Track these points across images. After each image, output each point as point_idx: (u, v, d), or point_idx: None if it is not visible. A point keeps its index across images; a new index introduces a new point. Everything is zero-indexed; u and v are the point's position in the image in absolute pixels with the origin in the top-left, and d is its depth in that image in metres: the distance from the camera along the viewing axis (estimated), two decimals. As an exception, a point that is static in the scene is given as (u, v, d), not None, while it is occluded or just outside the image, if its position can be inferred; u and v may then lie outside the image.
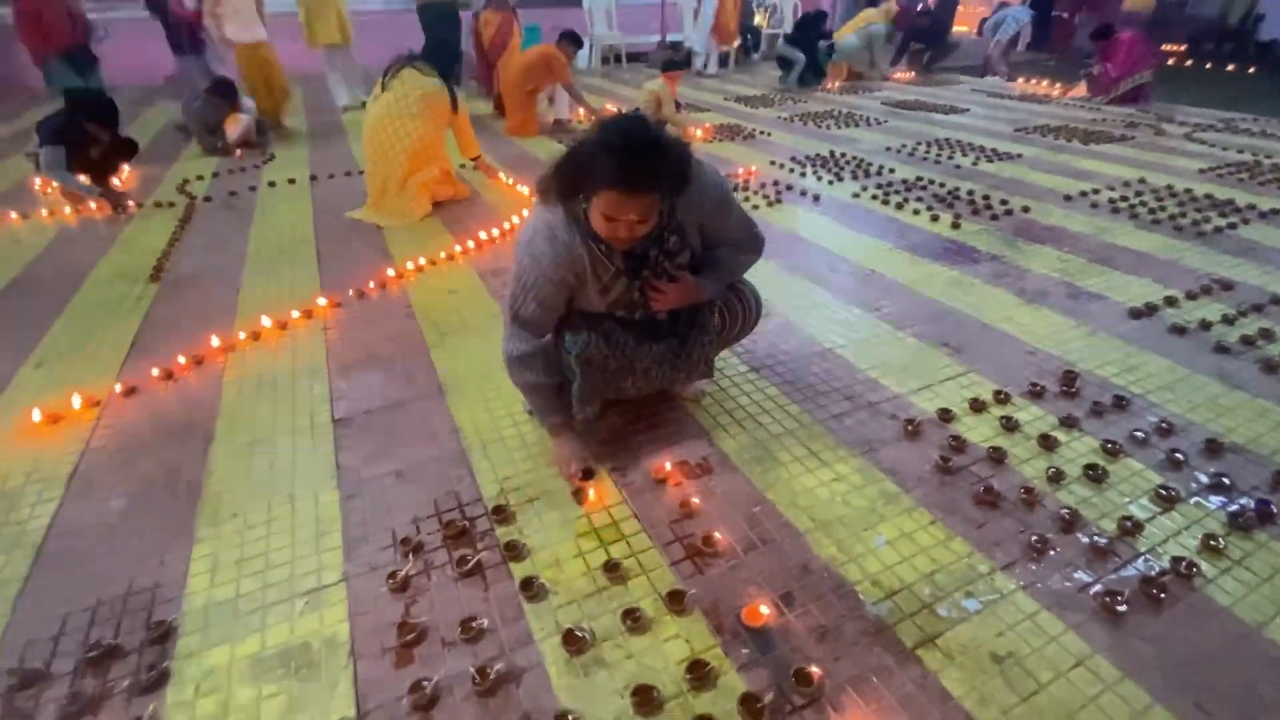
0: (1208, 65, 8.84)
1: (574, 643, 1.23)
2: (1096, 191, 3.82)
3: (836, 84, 7.72)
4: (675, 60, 5.24)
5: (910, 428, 1.81)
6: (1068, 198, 3.74)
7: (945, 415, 1.88)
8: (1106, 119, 5.80)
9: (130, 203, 3.86)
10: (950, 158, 4.64)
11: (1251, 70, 8.44)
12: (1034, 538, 1.45)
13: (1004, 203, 3.62)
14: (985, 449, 1.74)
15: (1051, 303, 2.54)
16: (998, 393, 1.97)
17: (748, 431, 1.85)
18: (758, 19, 9.68)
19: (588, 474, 1.64)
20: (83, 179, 3.83)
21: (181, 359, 2.22)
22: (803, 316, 2.47)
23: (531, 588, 1.35)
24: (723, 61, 9.15)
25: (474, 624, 1.27)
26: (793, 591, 1.35)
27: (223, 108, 4.96)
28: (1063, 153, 4.75)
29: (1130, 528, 1.48)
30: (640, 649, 1.24)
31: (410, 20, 7.16)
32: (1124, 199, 3.66)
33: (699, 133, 5.34)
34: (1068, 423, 1.84)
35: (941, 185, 3.97)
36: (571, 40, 5.40)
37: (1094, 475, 1.64)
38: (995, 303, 2.55)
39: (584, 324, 1.59)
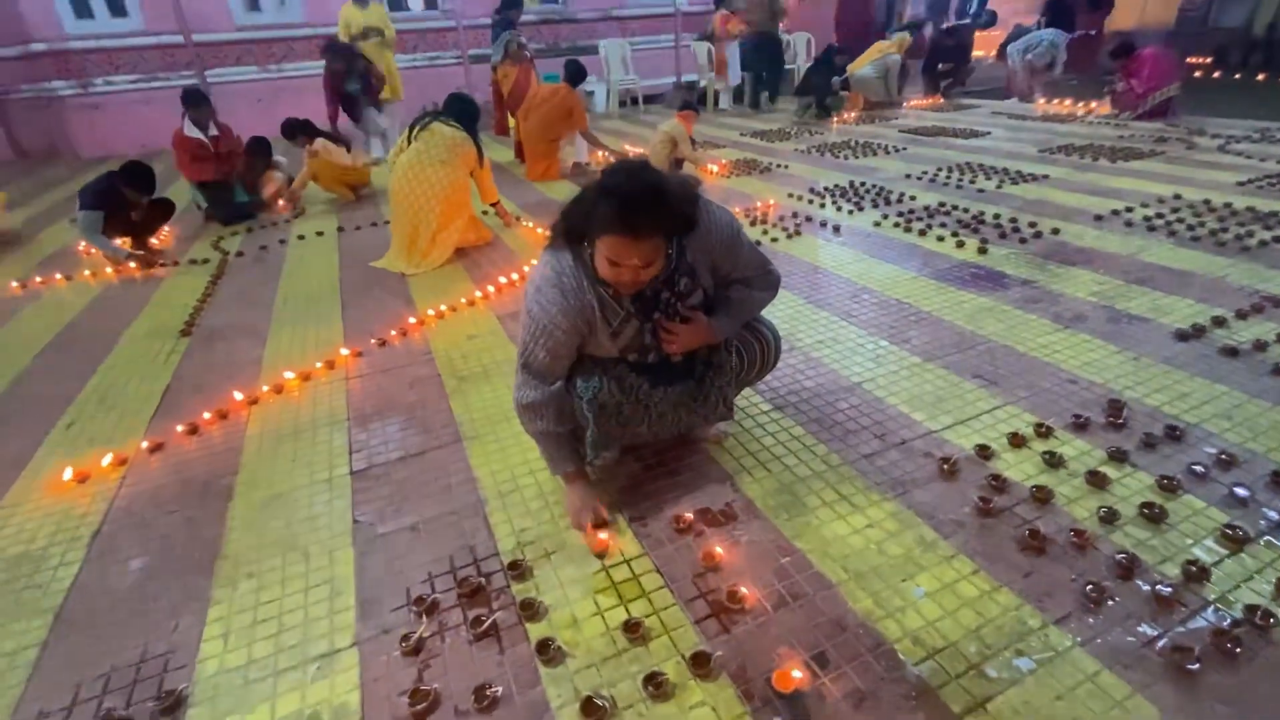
0: (1236, 76, 8.64)
1: (593, 712, 1.16)
2: (1130, 210, 3.69)
3: (853, 115, 7.73)
4: (690, 101, 5.32)
5: (946, 467, 1.72)
6: (1099, 217, 3.63)
7: (983, 452, 1.78)
8: (1134, 135, 5.67)
9: (163, 262, 4.01)
10: (973, 182, 4.56)
11: (1284, 79, 8.23)
12: (1089, 586, 1.34)
13: (1032, 225, 3.52)
14: (1028, 488, 1.63)
15: (1090, 327, 2.43)
16: (1038, 426, 1.86)
17: (773, 475, 1.77)
18: (771, 55, 9.81)
19: (600, 524, 1.58)
20: (117, 242, 4.01)
21: (206, 414, 2.24)
22: (827, 351, 2.40)
23: (548, 651, 1.29)
24: (736, 98, 9.28)
25: (488, 691, 1.21)
26: (826, 651, 1.26)
27: (258, 166, 5.14)
28: (1091, 171, 4.64)
29: (1196, 573, 1.36)
30: (664, 717, 1.16)
31: (434, 75, 7.45)
32: (1160, 216, 3.53)
33: (715, 169, 5.37)
34: (1117, 457, 1.72)
35: (965, 210, 3.89)
36: (575, 75, 5.47)
37: (1151, 515, 1.52)
38: (1029, 329, 2.45)
39: (596, 368, 1.55)
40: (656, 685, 1.20)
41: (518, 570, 1.49)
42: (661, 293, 1.49)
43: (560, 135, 5.56)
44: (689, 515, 1.61)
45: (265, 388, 2.39)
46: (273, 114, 6.86)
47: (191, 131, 4.67)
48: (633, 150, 6.47)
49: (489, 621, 1.36)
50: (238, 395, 2.33)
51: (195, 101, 4.71)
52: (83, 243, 4.26)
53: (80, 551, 1.68)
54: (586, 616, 1.38)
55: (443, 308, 3.01)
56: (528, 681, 1.25)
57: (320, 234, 4.44)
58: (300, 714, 1.22)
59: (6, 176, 7.22)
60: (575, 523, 1.61)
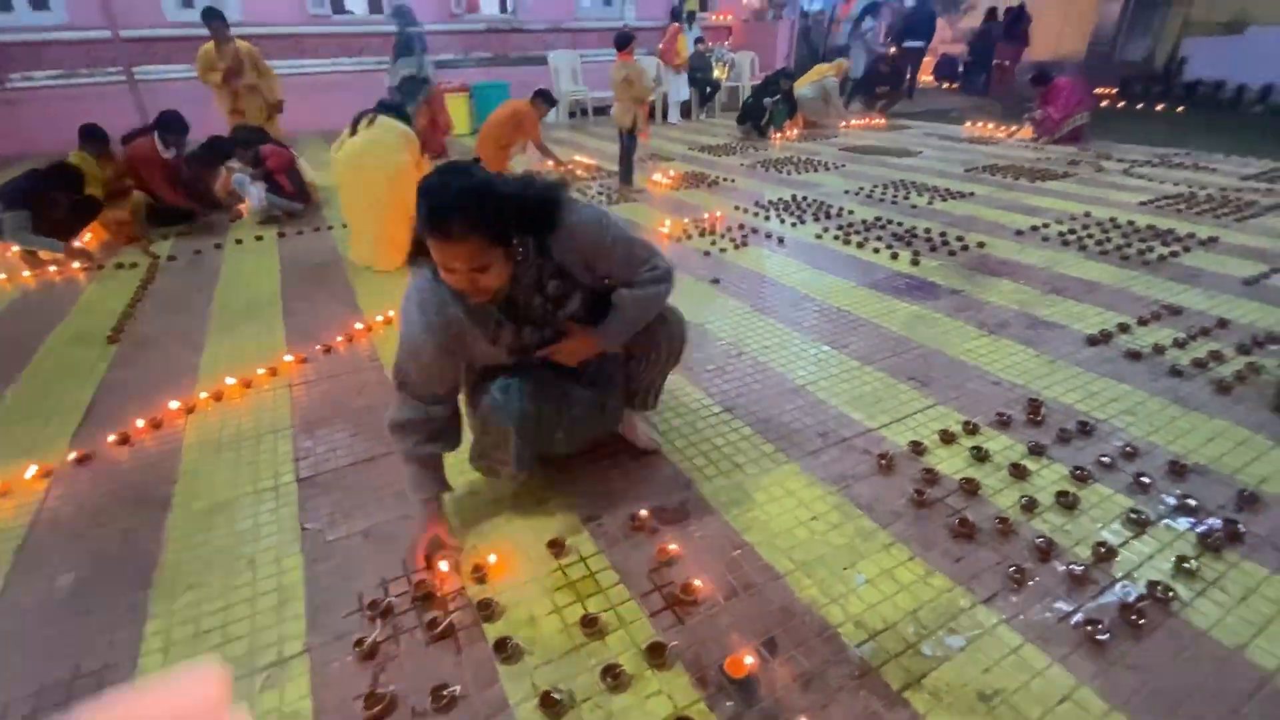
0: (1139, 106, 9.43)
1: (551, 705, 1.18)
2: (1046, 226, 3.98)
3: (794, 133, 8.03)
4: (625, 34, 5.22)
5: (884, 462, 1.82)
6: (1019, 232, 3.90)
7: (916, 448, 1.89)
8: (1050, 158, 6.11)
9: (99, 264, 3.80)
10: (906, 198, 4.82)
11: (1180, 109, 9.02)
12: (1012, 568, 1.45)
13: (960, 239, 3.75)
14: (958, 480, 1.75)
15: (1012, 333, 2.62)
16: (966, 423, 2.00)
17: (724, 474, 1.83)
18: (717, 72, 10.08)
19: (443, 568, 1.49)
20: (51, 240, 3.78)
21: (140, 423, 2.14)
22: (773, 355, 2.50)
23: (506, 649, 1.30)
24: (684, 113, 9.49)
25: (446, 691, 1.22)
26: (775, 637, 1.32)
27: (213, 163, 4.84)
28: (1012, 190, 4.97)
29: (1105, 554, 1.49)
30: (621, 708, 1.20)
31: (378, 81, 7.33)
32: (1072, 232, 3.83)
33: (665, 180, 5.47)
34: (1036, 450, 1.87)
35: (899, 224, 4.11)
36: (545, 99, 5.54)
37: (1066, 502, 1.66)
38: (958, 335, 2.61)
39: (508, 373, 1.54)
40: (614, 676, 1.23)
41: (475, 573, 1.49)
42: (533, 299, 1.45)
43: (510, 142, 5.56)
44: (644, 513, 1.65)
45: (204, 395, 2.31)
46: (206, 116, 6.58)
47: (166, 154, 4.45)
48: (585, 160, 6.54)
49: (445, 623, 1.36)
50: (173, 404, 2.24)
51: (177, 129, 4.49)
52: (-4, 246, 3.98)
53: (3, 568, 1.59)
54: (544, 614, 1.40)
55: (390, 314, 2.96)
56: (486, 680, 1.26)
57: (259, 239, 4.29)
58: (249, 723, 1.19)
59: (-98, 173, 6.66)
60: (417, 559, 1.50)
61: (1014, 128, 7.43)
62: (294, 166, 4.83)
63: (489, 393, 1.53)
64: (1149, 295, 2.95)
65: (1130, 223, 3.98)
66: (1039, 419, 2.02)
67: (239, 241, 4.24)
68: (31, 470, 1.92)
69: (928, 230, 3.95)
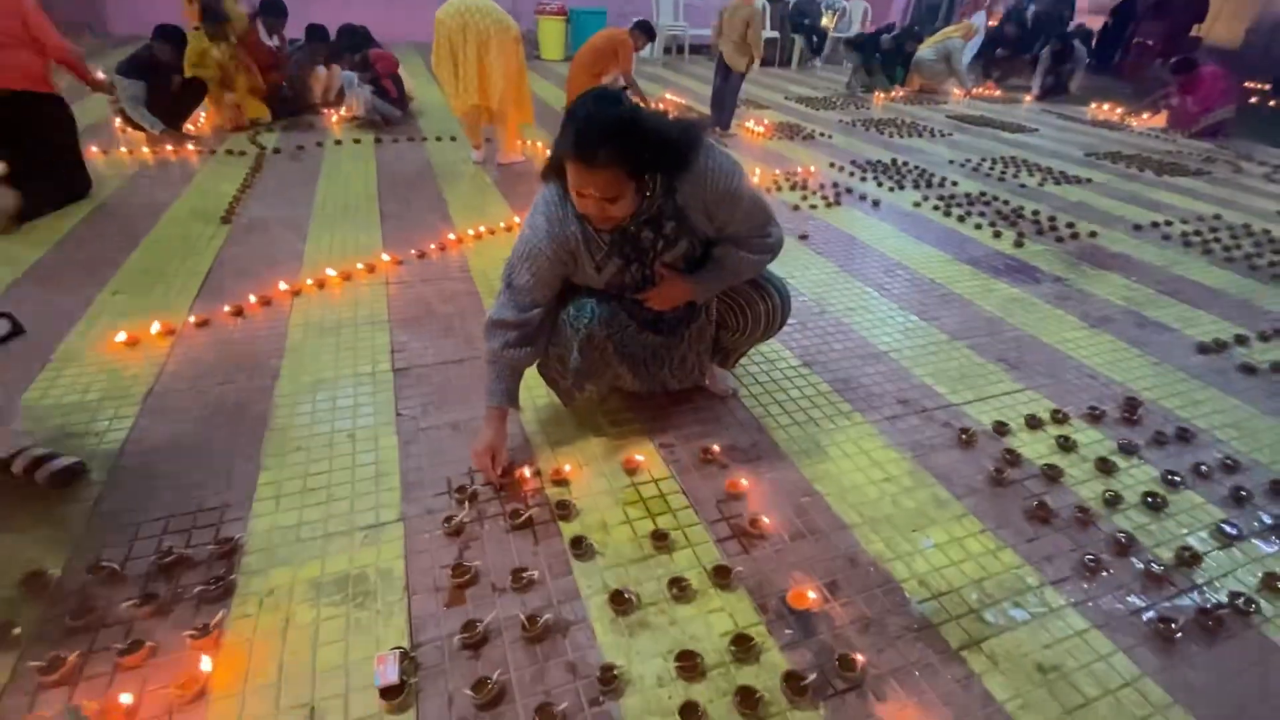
0: (1294, 107, 8.47)
1: (621, 603, 1.26)
2: (1169, 223, 3.70)
3: (902, 94, 7.59)
4: None
5: (964, 437, 1.80)
6: (1138, 227, 3.63)
7: (1000, 428, 1.85)
8: (1182, 151, 5.61)
9: (190, 145, 4.00)
10: (1015, 176, 4.54)
11: (1342, 116, 8.05)
12: (1087, 557, 1.43)
13: (1070, 226, 3.53)
14: (1040, 466, 1.72)
15: (1116, 330, 2.48)
16: (1055, 412, 1.94)
17: (798, 424, 1.85)
18: (825, 20, 9.55)
19: (507, 473, 1.58)
20: (154, 119, 3.99)
21: (251, 298, 2.30)
22: (857, 318, 2.45)
23: (580, 546, 1.38)
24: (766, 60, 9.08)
25: (524, 574, 1.31)
26: (838, 581, 1.36)
27: (315, 62, 4.93)
28: (1134, 181, 4.61)
29: (1188, 558, 1.45)
30: (684, 617, 1.26)
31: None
32: (1197, 233, 3.54)
33: (760, 129, 5.29)
34: (1127, 449, 1.80)
35: (1005, 203, 3.89)
36: (644, 30, 5.40)
37: (1153, 503, 1.61)
38: (1056, 324, 2.50)
39: (592, 299, 1.55)
40: (680, 588, 1.29)
41: (554, 476, 1.58)
42: (643, 232, 1.46)
43: (604, 71, 5.46)
44: (716, 448, 1.69)
45: (309, 281, 2.44)
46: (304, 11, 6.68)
47: (266, 40, 4.64)
48: (675, 99, 6.37)
49: (525, 515, 1.45)
50: (282, 285, 2.38)
51: (277, 12, 4.67)
52: (118, 120, 4.23)
53: (134, 408, 1.76)
54: (616, 523, 1.47)
55: (481, 229, 3.03)
56: (560, 571, 1.35)
57: (357, 142, 4.42)
58: (348, 572, 1.32)
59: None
60: (479, 463, 1.57)
61: (1144, 115, 6.82)
62: (397, 72, 4.91)
63: (568, 306, 1.56)
64: (1275, 310, 2.73)
65: (1266, 231, 3.65)
66: (1135, 418, 1.94)
67: (338, 143, 4.37)
68: (156, 327, 2.10)
69: (1035, 212, 3.73)
